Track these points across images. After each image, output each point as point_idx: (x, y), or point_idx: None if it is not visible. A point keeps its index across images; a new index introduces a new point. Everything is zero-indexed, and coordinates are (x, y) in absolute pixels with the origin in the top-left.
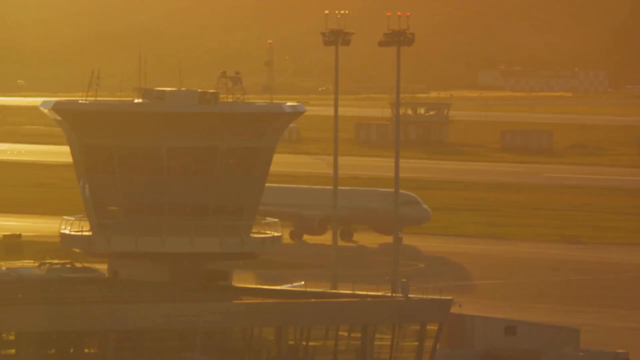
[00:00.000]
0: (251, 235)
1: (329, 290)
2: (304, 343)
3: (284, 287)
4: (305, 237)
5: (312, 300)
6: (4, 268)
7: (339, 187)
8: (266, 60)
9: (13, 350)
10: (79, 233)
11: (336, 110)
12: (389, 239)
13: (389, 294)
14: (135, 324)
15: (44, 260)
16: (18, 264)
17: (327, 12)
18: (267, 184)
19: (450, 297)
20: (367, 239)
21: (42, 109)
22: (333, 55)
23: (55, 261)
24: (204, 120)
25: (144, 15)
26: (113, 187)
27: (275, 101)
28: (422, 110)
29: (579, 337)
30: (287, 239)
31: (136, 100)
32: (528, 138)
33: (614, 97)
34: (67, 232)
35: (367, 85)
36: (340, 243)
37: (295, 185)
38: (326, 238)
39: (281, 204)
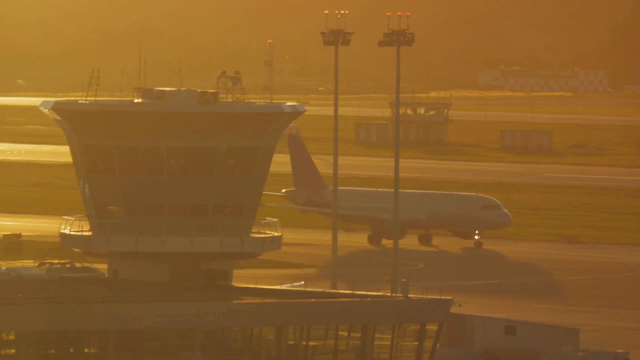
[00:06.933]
0: (251, 235)
1: (329, 290)
2: (304, 343)
3: (284, 287)
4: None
5: (312, 300)
6: (4, 268)
7: (421, 191)
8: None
9: (13, 350)
10: (79, 233)
11: (336, 110)
12: (469, 243)
13: (389, 294)
14: (135, 324)
15: (44, 260)
16: (18, 264)
17: (327, 12)
18: (343, 188)
19: (450, 297)
20: (446, 244)
21: (42, 109)
22: (333, 55)
23: (55, 261)
24: (204, 120)
25: (144, 15)
26: (113, 187)
27: (275, 101)
28: (422, 110)
29: (578, 337)
30: (365, 243)
31: (136, 100)
32: (528, 138)
33: (613, 97)
34: (67, 232)
35: (367, 85)
36: (420, 247)
37: (373, 189)
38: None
39: (358, 208)
